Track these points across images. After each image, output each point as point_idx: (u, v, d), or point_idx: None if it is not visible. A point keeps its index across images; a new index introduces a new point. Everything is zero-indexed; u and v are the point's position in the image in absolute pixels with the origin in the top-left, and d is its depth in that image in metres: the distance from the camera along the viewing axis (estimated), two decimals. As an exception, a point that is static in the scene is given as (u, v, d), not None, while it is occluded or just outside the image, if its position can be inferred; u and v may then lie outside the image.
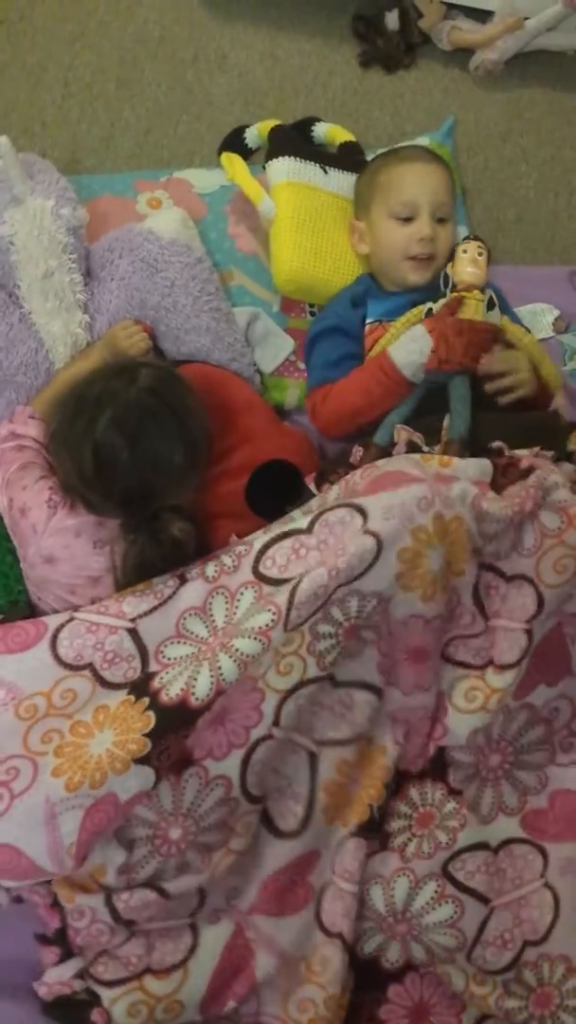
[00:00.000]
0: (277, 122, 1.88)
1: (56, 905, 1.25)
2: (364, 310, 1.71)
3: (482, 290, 1.59)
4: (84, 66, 2.13)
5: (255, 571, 1.30)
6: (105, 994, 1.26)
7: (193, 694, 1.23)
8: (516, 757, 1.39)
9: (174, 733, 1.22)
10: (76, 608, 1.32)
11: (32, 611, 1.46)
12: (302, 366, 1.80)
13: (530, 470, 1.39)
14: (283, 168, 1.80)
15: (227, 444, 1.58)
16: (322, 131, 1.95)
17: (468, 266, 1.59)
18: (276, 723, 1.27)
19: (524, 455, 1.45)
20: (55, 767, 1.21)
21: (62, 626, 1.29)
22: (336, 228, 1.79)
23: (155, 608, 1.30)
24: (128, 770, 1.20)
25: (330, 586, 1.25)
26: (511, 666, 1.34)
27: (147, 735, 1.21)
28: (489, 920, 1.34)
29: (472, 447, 1.45)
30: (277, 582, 1.28)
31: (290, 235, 1.75)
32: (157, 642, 1.28)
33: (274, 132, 1.85)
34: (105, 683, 1.26)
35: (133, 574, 1.35)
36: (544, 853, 1.38)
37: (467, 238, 1.66)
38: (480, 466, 1.39)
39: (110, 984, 1.26)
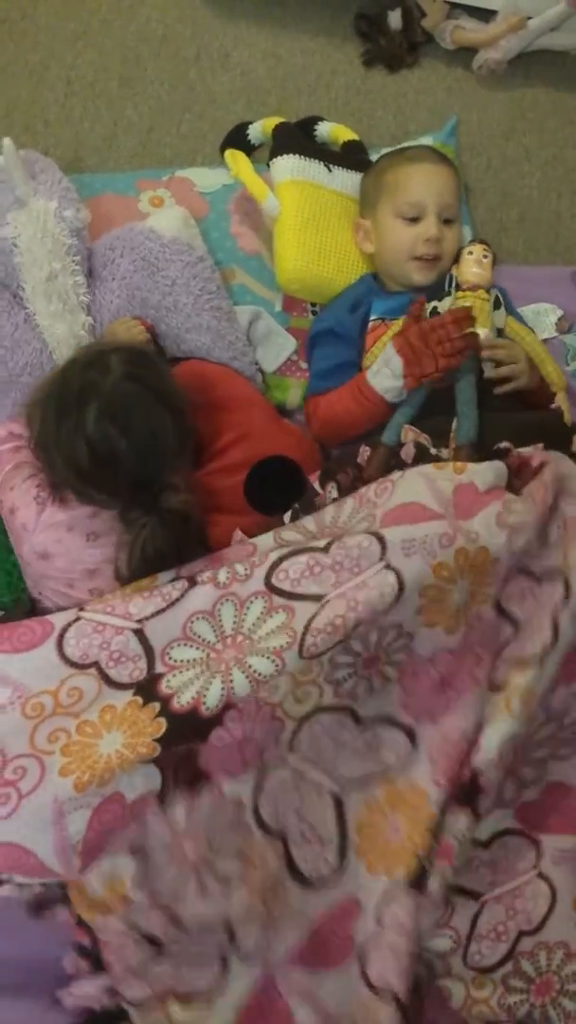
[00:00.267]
0: (281, 119, 1.87)
1: (83, 923, 1.23)
2: (364, 311, 1.71)
3: (487, 290, 1.59)
4: (87, 65, 2.12)
5: (267, 582, 1.29)
6: (132, 1013, 1.23)
7: (204, 703, 1.23)
8: (525, 754, 1.38)
9: (184, 742, 1.22)
10: (81, 606, 1.31)
11: (34, 607, 1.46)
12: (304, 365, 1.80)
13: (543, 465, 1.39)
14: (287, 166, 1.79)
15: (226, 440, 1.57)
16: (325, 130, 1.94)
17: (473, 267, 1.60)
18: (291, 748, 1.26)
19: (528, 452, 1.45)
20: (63, 766, 1.20)
21: (68, 625, 1.28)
22: (340, 227, 1.79)
23: (162, 610, 1.29)
24: (135, 769, 1.20)
25: (348, 619, 1.24)
26: (532, 661, 1.30)
27: (158, 740, 1.21)
28: (480, 914, 1.33)
29: (480, 448, 1.45)
30: (288, 595, 1.27)
31: (294, 233, 1.75)
32: (163, 643, 1.28)
33: (278, 129, 1.85)
34: (111, 682, 1.25)
35: (149, 561, 1.34)
36: (537, 844, 1.37)
37: (473, 241, 1.67)
38: (495, 470, 1.37)
39: (134, 1004, 1.23)
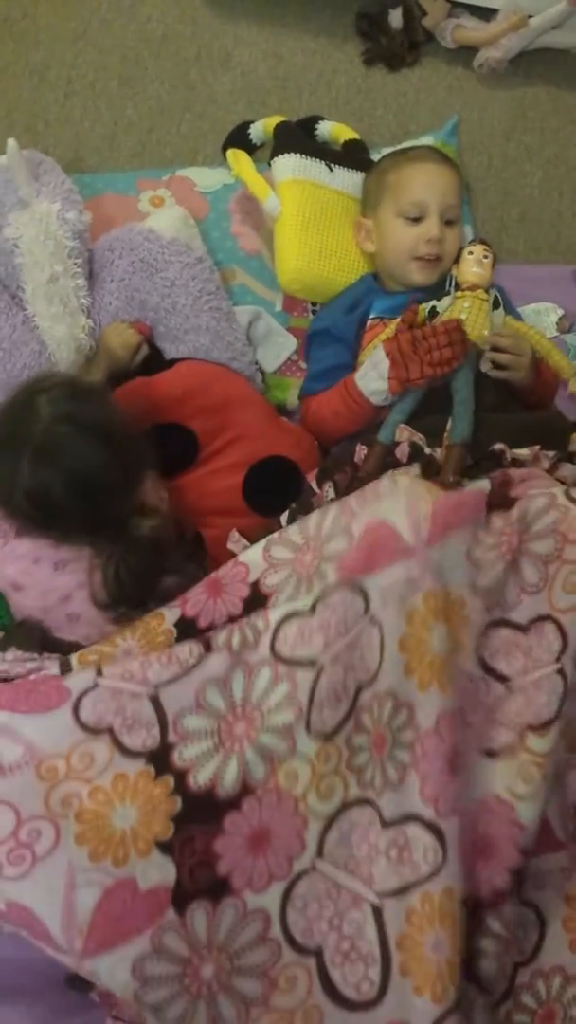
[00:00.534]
0: (282, 118, 1.87)
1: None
2: (363, 311, 1.71)
3: (486, 290, 1.59)
4: (87, 64, 2.12)
5: (272, 649, 1.26)
6: None
7: (221, 785, 1.21)
8: None
9: (199, 823, 1.20)
10: (100, 670, 1.26)
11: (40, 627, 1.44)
12: (304, 365, 1.80)
13: (516, 499, 1.34)
14: (289, 165, 1.79)
15: (223, 440, 1.57)
16: (326, 130, 1.94)
17: (473, 266, 1.59)
18: (320, 854, 1.22)
19: (524, 454, 1.44)
20: (78, 833, 1.18)
21: (86, 692, 1.24)
22: (341, 226, 1.79)
23: (178, 677, 1.26)
24: (151, 855, 1.18)
25: (349, 684, 1.23)
26: (551, 721, 1.23)
27: (173, 819, 1.19)
28: None
29: (474, 448, 1.44)
30: (287, 661, 1.25)
31: (295, 233, 1.75)
32: (176, 711, 1.24)
33: (279, 128, 1.84)
34: (124, 749, 1.22)
35: (125, 585, 1.33)
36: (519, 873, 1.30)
37: (473, 240, 1.66)
38: (479, 490, 1.33)
39: None
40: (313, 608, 1.26)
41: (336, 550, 1.29)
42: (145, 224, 1.72)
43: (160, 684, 1.24)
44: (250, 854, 1.21)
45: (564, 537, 1.30)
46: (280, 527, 1.42)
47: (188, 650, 1.26)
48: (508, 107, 2.22)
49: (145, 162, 2.04)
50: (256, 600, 1.31)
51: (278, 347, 1.81)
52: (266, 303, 1.83)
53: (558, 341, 1.90)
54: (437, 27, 2.20)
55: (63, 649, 1.34)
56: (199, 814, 1.20)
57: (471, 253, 1.61)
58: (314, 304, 1.84)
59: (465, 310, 1.57)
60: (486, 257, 1.60)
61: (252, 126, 1.89)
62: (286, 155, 1.80)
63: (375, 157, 1.91)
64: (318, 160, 1.81)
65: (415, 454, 1.44)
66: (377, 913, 1.20)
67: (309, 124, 1.95)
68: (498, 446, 1.44)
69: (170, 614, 1.31)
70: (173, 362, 1.65)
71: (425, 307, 1.60)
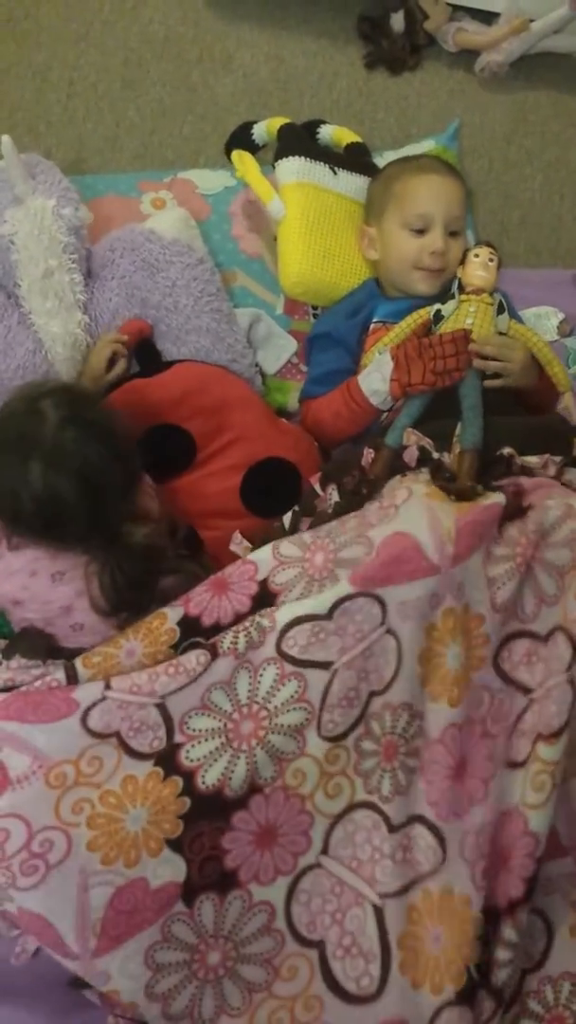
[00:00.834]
0: (286, 120, 1.86)
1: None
2: (365, 315, 1.71)
3: (491, 294, 1.59)
4: (89, 66, 2.12)
5: (278, 648, 1.27)
6: None
7: (229, 785, 1.22)
8: None
9: (208, 821, 1.21)
10: (108, 683, 1.26)
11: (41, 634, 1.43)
12: (304, 368, 1.80)
13: (529, 508, 1.34)
14: (293, 168, 1.79)
15: (222, 442, 1.57)
16: (328, 133, 1.94)
17: (479, 270, 1.59)
18: (325, 851, 1.25)
19: (533, 462, 1.44)
20: (90, 840, 1.19)
21: (94, 704, 1.25)
22: (344, 230, 1.79)
23: (185, 685, 1.26)
24: (161, 854, 1.19)
25: (362, 691, 1.24)
26: (561, 731, 1.24)
27: (182, 818, 1.21)
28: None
29: (482, 452, 1.44)
30: (298, 662, 1.26)
31: (299, 236, 1.75)
32: (182, 712, 1.26)
33: (284, 130, 1.84)
34: (131, 752, 1.24)
35: (122, 591, 1.33)
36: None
37: (479, 243, 1.66)
38: (495, 503, 1.33)
39: None
40: (331, 613, 1.26)
41: (352, 556, 1.30)
42: (146, 225, 1.72)
43: (167, 694, 1.25)
44: (257, 849, 1.23)
45: None
46: (281, 529, 1.43)
47: (195, 659, 1.27)
48: (509, 111, 2.22)
49: (147, 164, 2.04)
50: (265, 597, 1.31)
51: (278, 350, 1.81)
52: (267, 306, 1.83)
53: (559, 345, 1.90)
54: (439, 31, 2.20)
55: (67, 654, 1.34)
56: (208, 813, 1.22)
57: (477, 256, 1.60)
58: (315, 308, 1.84)
59: (471, 314, 1.57)
60: (492, 260, 1.60)
61: (255, 127, 1.88)
62: (290, 158, 1.79)
63: (377, 160, 1.91)
64: (322, 163, 1.81)
65: (423, 458, 1.44)
66: (378, 913, 1.23)
67: (311, 128, 1.95)
68: (506, 451, 1.44)
69: (173, 613, 1.31)
70: (170, 364, 1.65)
71: (430, 310, 1.60)
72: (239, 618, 1.31)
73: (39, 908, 1.18)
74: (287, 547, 1.35)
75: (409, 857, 1.24)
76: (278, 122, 1.85)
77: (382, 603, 1.26)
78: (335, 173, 1.82)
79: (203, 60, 2.16)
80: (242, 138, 1.89)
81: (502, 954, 1.23)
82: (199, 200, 1.89)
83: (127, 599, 1.34)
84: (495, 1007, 1.23)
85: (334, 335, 1.72)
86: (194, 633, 1.31)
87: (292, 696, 1.25)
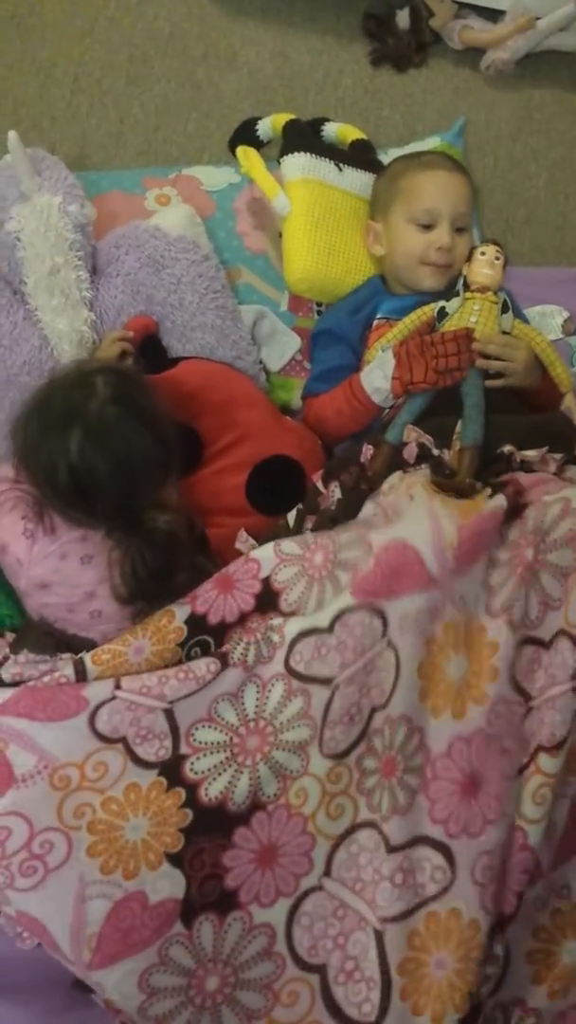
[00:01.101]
0: (291, 116, 1.86)
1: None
2: (368, 312, 1.71)
3: (496, 293, 1.59)
4: (94, 62, 2.12)
5: (287, 664, 1.26)
6: None
7: (232, 799, 1.22)
8: None
9: (209, 837, 1.21)
10: (118, 683, 1.26)
11: (49, 628, 1.43)
12: (308, 366, 1.80)
13: (527, 505, 1.32)
14: (298, 164, 1.78)
15: (227, 439, 1.57)
16: (332, 131, 1.93)
17: (485, 268, 1.59)
18: (327, 873, 1.23)
19: (532, 455, 1.44)
20: (89, 845, 1.19)
21: (103, 703, 1.25)
22: (350, 227, 1.78)
23: (194, 692, 1.26)
24: (161, 867, 1.18)
25: (363, 706, 1.24)
26: (563, 743, 1.22)
27: (183, 831, 1.20)
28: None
29: (483, 450, 1.44)
30: (302, 677, 1.25)
31: (304, 233, 1.75)
32: (188, 723, 1.25)
33: (289, 126, 1.83)
34: (137, 760, 1.23)
35: (142, 580, 1.33)
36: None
37: (486, 241, 1.66)
38: (496, 507, 1.32)
39: None
40: (332, 626, 1.25)
41: (351, 558, 1.29)
42: (151, 221, 1.72)
43: (176, 699, 1.25)
44: (258, 869, 1.22)
45: None
46: (286, 527, 1.43)
47: (205, 666, 1.26)
48: (514, 109, 2.22)
49: (151, 160, 2.04)
50: (267, 596, 1.31)
51: (282, 347, 1.81)
52: (271, 302, 1.83)
53: (563, 343, 1.90)
54: (444, 28, 2.20)
55: (76, 647, 1.35)
56: (209, 827, 1.21)
57: (483, 254, 1.60)
58: (319, 304, 1.84)
59: (475, 312, 1.57)
60: (498, 259, 1.60)
61: (260, 122, 1.88)
62: (296, 154, 1.79)
63: (382, 157, 1.91)
64: (327, 160, 1.81)
65: (423, 455, 1.44)
66: (379, 937, 1.20)
67: (315, 125, 1.94)
68: (507, 448, 1.43)
69: (180, 611, 1.31)
70: (176, 361, 1.65)
71: (434, 307, 1.60)
72: (244, 616, 1.31)
73: (36, 912, 1.17)
74: (288, 544, 1.34)
75: (411, 881, 1.21)
76: (283, 118, 1.85)
77: (383, 616, 1.25)
78: (340, 169, 1.82)
79: (208, 57, 2.15)
80: (247, 134, 1.89)
81: (489, 969, 1.22)
82: (203, 196, 1.89)
83: (146, 588, 1.34)
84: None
85: (336, 332, 1.72)
86: (201, 631, 1.31)
87: (298, 712, 1.24)
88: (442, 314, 1.59)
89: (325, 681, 1.24)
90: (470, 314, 1.57)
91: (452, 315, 1.59)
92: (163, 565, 1.34)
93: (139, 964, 1.17)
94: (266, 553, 1.34)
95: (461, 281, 1.61)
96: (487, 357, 1.54)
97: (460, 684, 1.24)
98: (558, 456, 1.46)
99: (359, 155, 1.88)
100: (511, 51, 2.18)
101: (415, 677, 1.24)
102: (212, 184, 1.91)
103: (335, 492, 1.44)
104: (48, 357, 1.61)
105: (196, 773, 1.23)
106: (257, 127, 1.88)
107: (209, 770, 1.23)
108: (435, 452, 1.45)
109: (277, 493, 1.55)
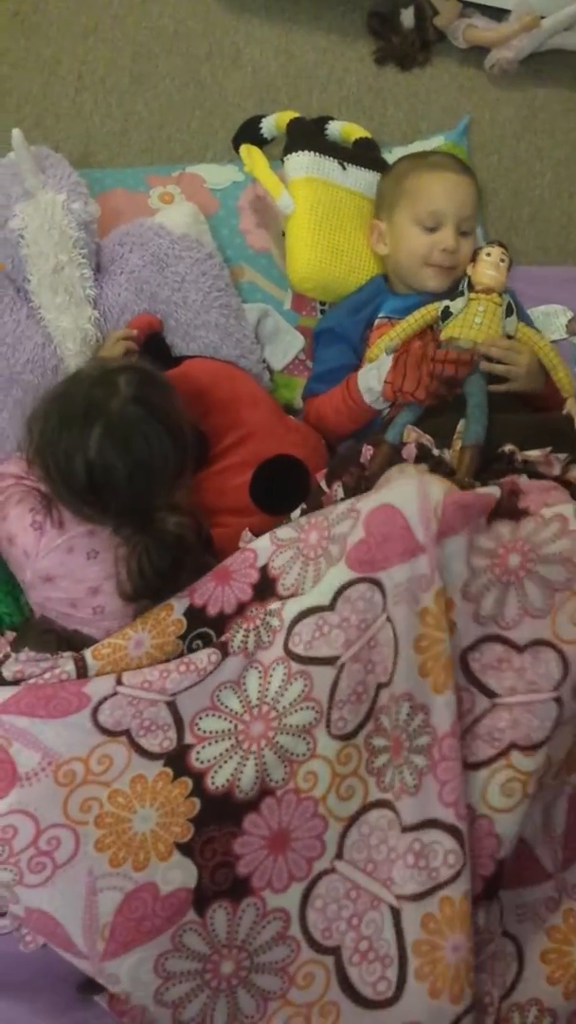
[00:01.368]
0: (295, 114, 1.86)
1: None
2: (370, 311, 1.71)
3: (500, 294, 1.58)
4: (98, 60, 2.12)
5: (285, 647, 1.26)
6: None
7: (239, 786, 1.22)
8: None
9: (218, 825, 1.21)
10: (120, 678, 1.26)
11: (50, 626, 1.43)
12: (311, 364, 1.80)
13: (525, 512, 1.31)
14: (302, 163, 1.78)
15: (231, 439, 1.57)
16: (336, 129, 1.93)
17: (489, 269, 1.59)
18: (339, 855, 1.23)
19: (535, 455, 1.44)
20: (98, 839, 1.19)
21: (105, 699, 1.25)
22: (353, 226, 1.78)
23: (196, 684, 1.27)
24: (171, 858, 1.19)
25: (369, 684, 1.23)
26: (540, 745, 1.22)
27: (191, 820, 1.20)
28: None
29: (485, 449, 1.44)
30: (303, 659, 1.25)
31: (308, 231, 1.75)
32: (192, 713, 1.25)
33: (293, 124, 1.83)
34: (141, 751, 1.23)
35: (148, 579, 1.33)
36: (498, 902, 1.29)
37: (491, 242, 1.66)
38: (490, 494, 1.31)
39: None
40: (333, 603, 1.25)
41: (342, 531, 1.28)
42: (155, 219, 1.71)
43: (178, 692, 1.25)
44: (270, 855, 1.22)
45: None
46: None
47: (206, 657, 1.27)
48: (519, 108, 2.22)
49: (155, 158, 2.04)
50: (264, 584, 1.31)
51: (286, 345, 1.81)
52: (275, 301, 1.82)
53: (567, 344, 1.89)
54: (449, 27, 2.20)
55: (77, 645, 1.35)
56: (218, 815, 1.21)
57: (488, 255, 1.60)
58: (323, 303, 1.83)
59: (479, 313, 1.56)
60: (503, 261, 1.60)
61: (264, 120, 1.88)
62: (300, 152, 1.79)
63: (386, 156, 1.91)
64: (331, 158, 1.81)
65: (422, 455, 1.43)
66: (395, 915, 1.20)
67: (319, 123, 1.94)
68: (508, 447, 1.43)
69: (179, 604, 1.32)
70: (180, 360, 1.64)
71: (438, 306, 1.60)
72: (241, 606, 1.31)
73: (46, 906, 1.18)
74: (284, 530, 1.35)
75: (424, 864, 1.20)
76: (287, 116, 1.85)
77: (382, 588, 1.24)
78: (344, 168, 1.81)
79: (212, 55, 2.15)
80: (251, 132, 1.89)
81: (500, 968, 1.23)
82: (207, 195, 1.89)
83: (152, 586, 1.34)
84: None
85: (337, 331, 1.72)
86: (200, 623, 1.31)
87: (299, 695, 1.24)
88: (446, 313, 1.59)
89: (329, 661, 1.23)
90: (474, 315, 1.57)
91: (456, 316, 1.58)
92: (170, 566, 1.34)
93: (153, 951, 1.18)
94: (263, 543, 1.35)
95: (465, 281, 1.61)
96: (490, 359, 1.54)
97: (455, 657, 1.23)
98: (562, 456, 1.45)
99: (363, 153, 1.88)
100: (516, 50, 2.17)
101: (412, 651, 1.22)
102: (216, 182, 1.91)
103: (338, 492, 1.44)
104: (52, 355, 1.61)
105: (202, 762, 1.23)
106: (261, 125, 1.88)
107: (215, 758, 1.23)
108: (435, 452, 1.44)
109: (281, 492, 1.54)
